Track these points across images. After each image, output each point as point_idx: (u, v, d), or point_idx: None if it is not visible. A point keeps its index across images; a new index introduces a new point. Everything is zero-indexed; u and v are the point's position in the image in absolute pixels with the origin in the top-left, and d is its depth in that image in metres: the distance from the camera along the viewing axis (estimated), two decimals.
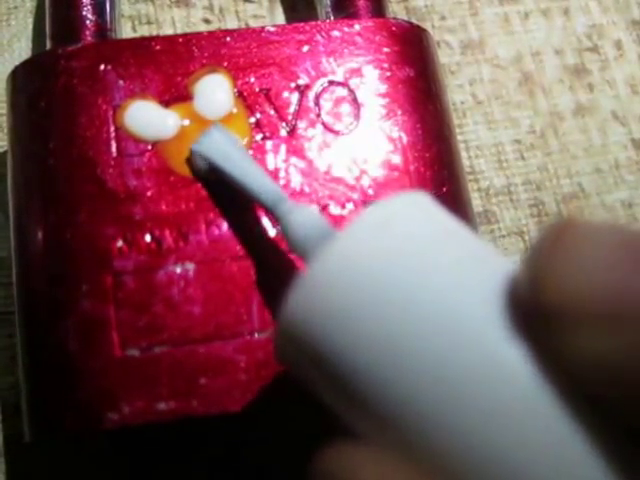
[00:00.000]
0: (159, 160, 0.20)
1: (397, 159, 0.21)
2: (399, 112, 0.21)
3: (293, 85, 0.21)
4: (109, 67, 0.21)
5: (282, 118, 0.21)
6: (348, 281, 0.14)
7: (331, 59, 0.22)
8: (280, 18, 0.27)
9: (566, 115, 0.27)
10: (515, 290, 0.14)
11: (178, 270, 0.20)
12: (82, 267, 0.19)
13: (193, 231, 0.20)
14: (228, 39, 0.22)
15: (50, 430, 0.19)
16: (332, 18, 0.24)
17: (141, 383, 0.19)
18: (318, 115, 0.21)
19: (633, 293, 0.12)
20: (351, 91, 0.22)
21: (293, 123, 0.21)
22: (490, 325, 0.13)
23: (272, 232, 0.20)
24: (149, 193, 0.20)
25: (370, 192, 0.21)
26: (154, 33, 0.26)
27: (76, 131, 0.20)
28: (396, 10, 0.27)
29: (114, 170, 0.20)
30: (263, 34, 0.22)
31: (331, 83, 0.22)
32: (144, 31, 0.26)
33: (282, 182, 0.20)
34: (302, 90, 0.21)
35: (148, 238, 0.20)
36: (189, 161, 0.20)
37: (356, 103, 0.21)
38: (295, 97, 0.21)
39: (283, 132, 0.21)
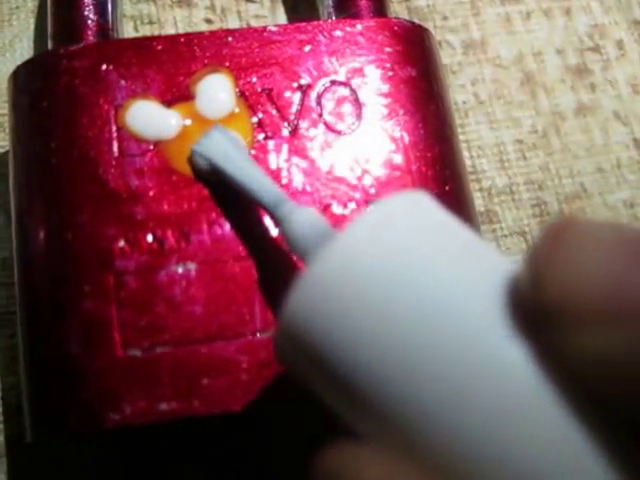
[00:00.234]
0: (161, 160, 0.20)
1: (399, 159, 0.21)
2: (401, 112, 0.21)
3: (295, 85, 0.21)
4: (111, 67, 0.21)
5: (284, 118, 0.21)
6: (349, 278, 0.14)
7: (333, 59, 0.22)
8: (282, 18, 0.27)
9: (568, 115, 0.27)
10: (516, 287, 0.14)
11: (180, 270, 0.20)
12: (84, 267, 0.19)
13: (195, 231, 0.20)
14: (230, 39, 0.22)
15: (52, 430, 0.19)
16: (334, 18, 0.24)
17: (143, 383, 0.19)
18: (320, 115, 0.21)
19: (632, 288, 0.12)
20: (353, 91, 0.21)
21: (295, 123, 0.21)
22: (492, 322, 0.13)
23: (274, 232, 0.20)
24: (151, 193, 0.20)
25: (372, 192, 0.21)
26: (156, 33, 0.26)
27: (78, 131, 0.20)
28: (398, 10, 0.27)
29: (116, 170, 0.20)
30: (265, 34, 0.22)
31: (333, 83, 0.22)
32: (146, 31, 0.26)
33: (284, 182, 0.20)
34: (304, 90, 0.21)
35: (150, 238, 0.20)
36: (191, 161, 0.20)
37: (358, 103, 0.21)
38: (297, 97, 0.21)
39: (285, 132, 0.21)
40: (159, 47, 0.21)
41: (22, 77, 0.21)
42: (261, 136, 0.21)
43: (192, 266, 0.20)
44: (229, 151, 0.20)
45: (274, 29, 0.22)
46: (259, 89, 0.21)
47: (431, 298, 0.14)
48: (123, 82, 0.21)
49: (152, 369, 0.19)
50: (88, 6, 0.23)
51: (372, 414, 0.14)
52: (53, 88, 0.21)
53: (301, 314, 0.15)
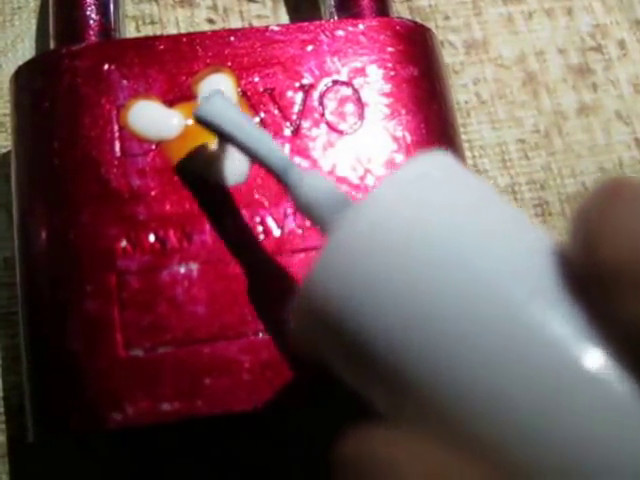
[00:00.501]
0: (163, 160, 0.20)
1: (401, 158, 0.21)
2: (403, 111, 0.21)
3: (297, 85, 0.21)
4: (113, 67, 0.21)
5: (286, 118, 0.21)
6: (380, 240, 0.13)
7: (335, 59, 0.22)
8: (284, 18, 0.27)
9: (570, 115, 0.27)
10: (564, 252, 0.13)
11: (182, 270, 0.20)
12: (86, 267, 0.19)
13: (197, 231, 0.20)
14: (232, 39, 0.22)
15: (54, 430, 0.19)
16: (336, 18, 0.24)
17: (145, 383, 0.19)
18: (322, 115, 0.21)
19: None
20: (355, 91, 0.21)
21: (297, 123, 0.21)
22: (537, 288, 0.13)
23: (277, 232, 0.20)
24: (153, 193, 0.20)
25: None
26: (158, 33, 0.26)
27: (80, 131, 0.20)
28: (400, 10, 0.27)
29: (118, 170, 0.20)
30: (267, 34, 0.22)
31: (335, 83, 0.22)
32: (148, 31, 0.26)
33: None
34: (306, 90, 0.21)
35: (152, 238, 0.20)
36: (191, 161, 0.20)
37: (360, 103, 0.21)
38: (299, 97, 0.21)
39: (287, 132, 0.21)
40: (161, 47, 0.21)
41: (24, 77, 0.21)
42: None
43: (194, 266, 0.20)
44: (234, 116, 0.19)
45: (276, 29, 0.22)
46: (261, 89, 0.21)
47: (472, 257, 0.13)
48: (125, 82, 0.21)
49: (154, 369, 0.19)
50: (90, 6, 0.23)
51: (395, 384, 0.13)
52: (55, 88, 0.21)
53: (324, 279, 0.14)
